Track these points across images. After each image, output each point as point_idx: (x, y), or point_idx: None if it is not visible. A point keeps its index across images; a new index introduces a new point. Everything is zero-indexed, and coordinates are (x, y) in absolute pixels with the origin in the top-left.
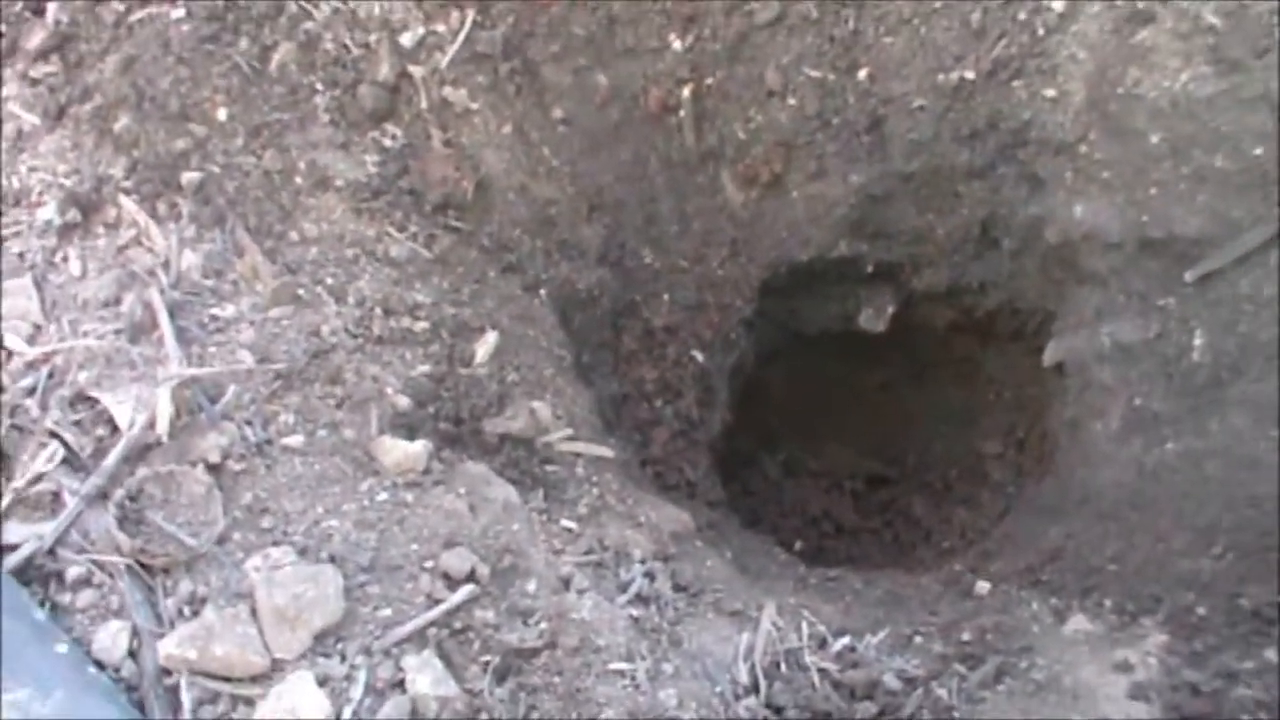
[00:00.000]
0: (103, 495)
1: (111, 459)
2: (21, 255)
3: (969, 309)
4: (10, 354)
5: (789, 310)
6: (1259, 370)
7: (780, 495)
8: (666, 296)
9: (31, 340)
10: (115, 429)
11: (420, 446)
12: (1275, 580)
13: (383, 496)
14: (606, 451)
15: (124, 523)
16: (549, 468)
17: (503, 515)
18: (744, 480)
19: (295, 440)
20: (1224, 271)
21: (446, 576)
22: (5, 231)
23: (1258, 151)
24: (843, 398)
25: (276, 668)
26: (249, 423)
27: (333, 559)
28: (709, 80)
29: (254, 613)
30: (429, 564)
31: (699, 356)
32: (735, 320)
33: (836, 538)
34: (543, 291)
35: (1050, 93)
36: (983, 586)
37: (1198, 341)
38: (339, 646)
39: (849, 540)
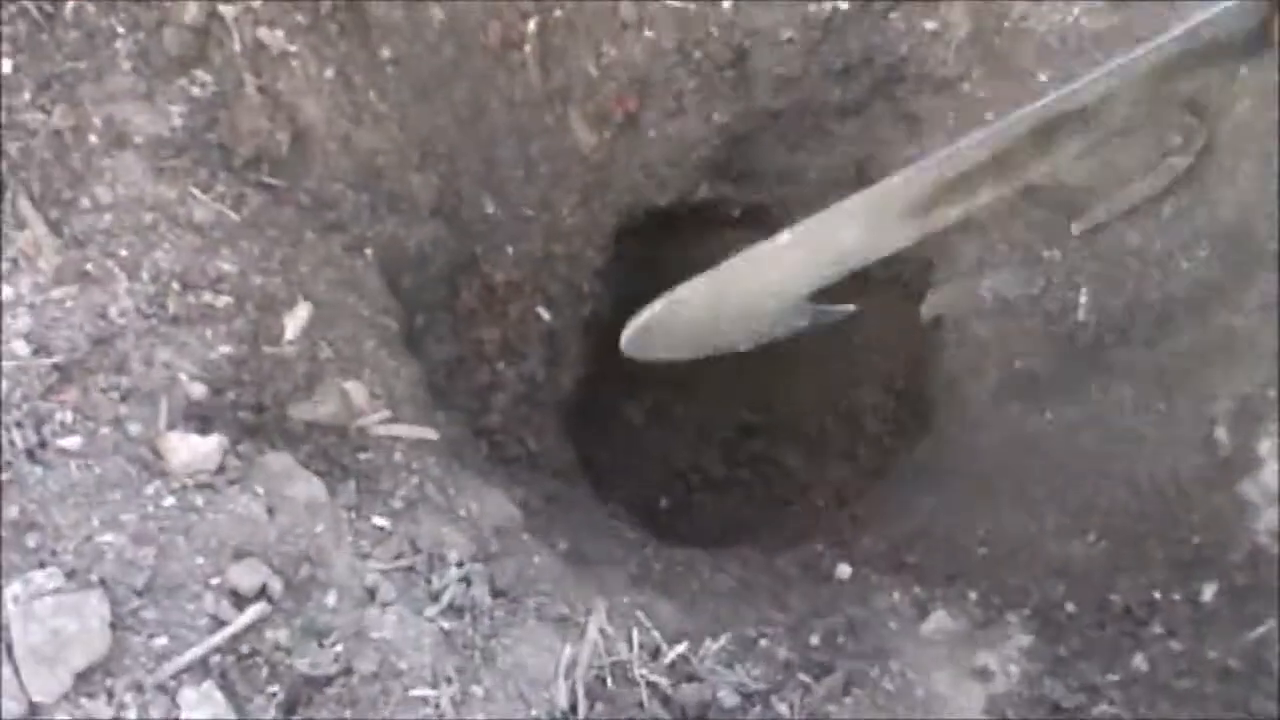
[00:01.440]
0: None
1: None
2: None
3: None
4: None
5: (645, 255)
6: (1145, 334)
7: (644, 446)
8: (510, 249)
9: None
10: None
11: (213, 442)
12: (1149, 573)
13: (169, 502)
14: (430, 433)
15: None
16: (363, 456)
17: (305, 516)
18: (605, 433)
19: (73, 442)
20: (1112, 224)
21: (234, 594)
22: None
23: None
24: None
25: (35, 712)
26: (20, 425)
27: (103, 582)
28: (557, 12)
29: (9, 652)
30: (215, 581)
31: (545, 314)
32: (588, 271)
33: (703, 490)
34: (368, 251)
35: (930, 25)
36: (843, 571)
37: (1083, 299)
38: (106, 684)
39: (716, 494)
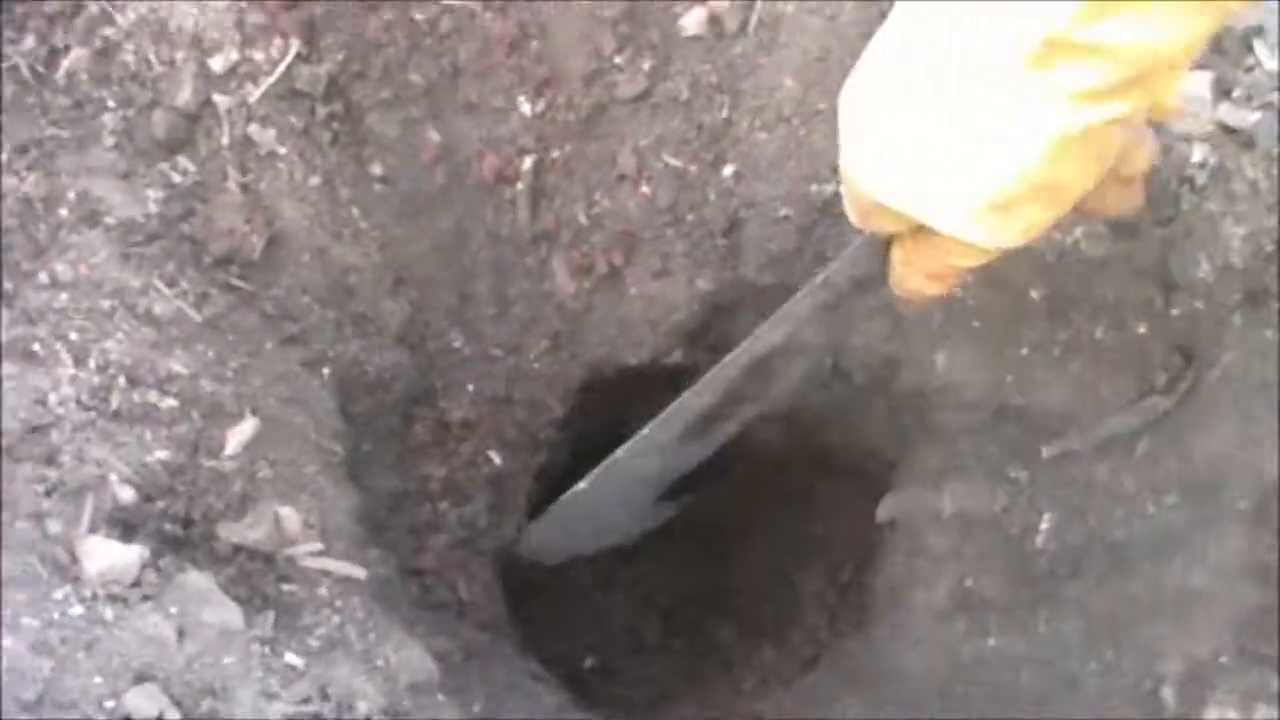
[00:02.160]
0: None
1: None
2: None
3: (806, 436)
4: None
5: (608, 411)
6: (1100, 571)
7: (579, 603)
8: (470, 387)
9: None
10: None
11: (134, 554)
12: None
13: (76, 610)
14: (358, 571)
15: None
16: (286, 587)
17: (216, 644)
18: (540, 586)
19: None
20: (1084, 454)
21: None
22: None
23: (1140, 329)
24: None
25: None
26: None
27: None
28: (555, 153)
29: None
30: (109, 704)
31: (496, 457)
32: (546, 420)
33: (635, 655)
34: (325, 371)
35: None
36: None
37: (1044, 525)
38: None
39: (647, 659)
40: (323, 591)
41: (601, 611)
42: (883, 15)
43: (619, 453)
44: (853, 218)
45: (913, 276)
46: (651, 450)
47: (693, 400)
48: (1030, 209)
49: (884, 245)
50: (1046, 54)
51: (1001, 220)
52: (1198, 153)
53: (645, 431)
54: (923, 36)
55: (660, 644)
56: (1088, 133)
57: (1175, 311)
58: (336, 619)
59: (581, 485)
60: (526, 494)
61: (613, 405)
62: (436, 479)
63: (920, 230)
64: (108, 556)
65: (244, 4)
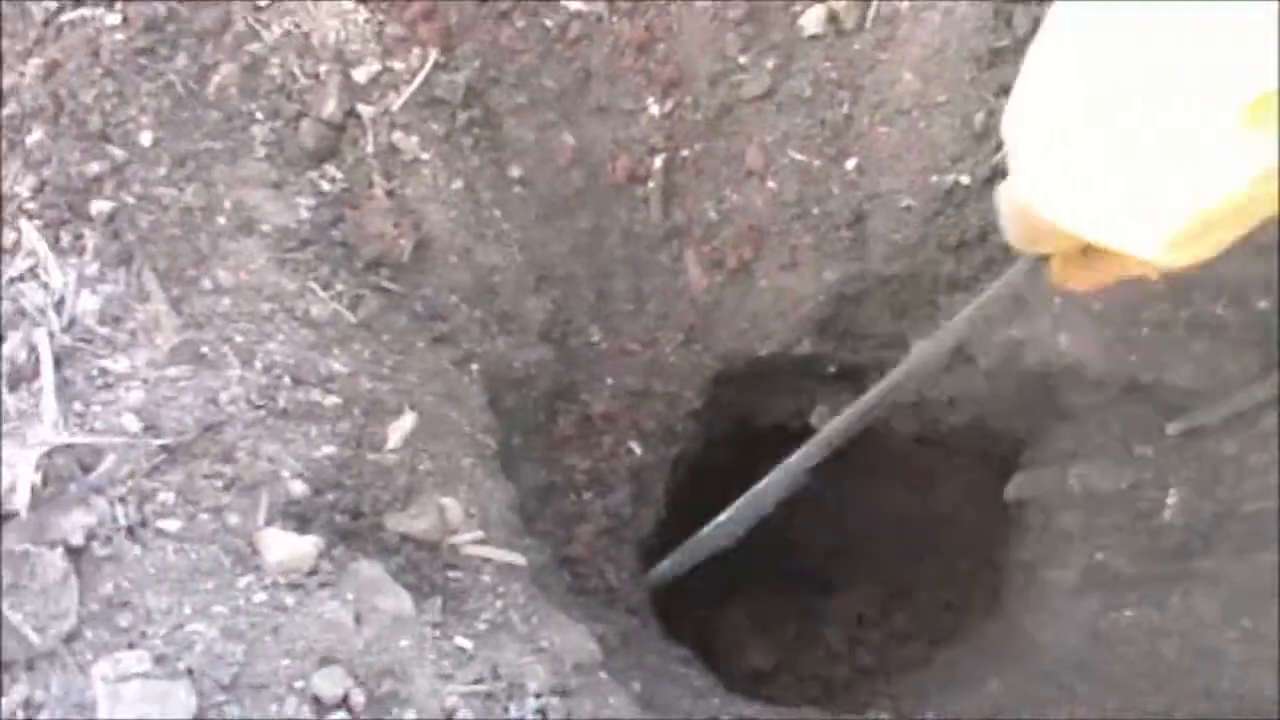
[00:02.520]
0: None
1: None
2: None
3: (934, 421)
4: None
5: (740, 400)
6: (1234, 545)
7: (713, 594)
8: (610, 381)
9: None
10: None
11: (309, 543)
12: None
13: (260, 598)
14: (518, 559)
15: None
16: (452, 574)
17: (391, 629)
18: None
19: (172, 524)
20: (1210, 429)
21: (317, 700)
22: None
23: (1262, 305)
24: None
25: None
26: (123, 500)
27: (190, 672)
28: (684, 152)
29: None
30: (299, 684)
31: (636, 448)
32: (682, 412)
33: (768, 637)
34: (474, 367)
35: None
36: None
37: (1171, 500)
38: None
39: (780, 642)
40: (485, 578)
41: (733, 596)
42: (996, 10)
43: (761, 484)
44: (1016, 241)
45: (1077, 283)
46: (792, 478)
47: (836, 425)
48: (1217, 234)
49: (1045, 262)
50: (1261, 104)
51: (1189, 245)
52: None
53: (790, 460)
54: (1121, 57)
55: (794, 628)
56: None
57: None
58: (500, 604)
59: (723, 516)
60: (664, 484)
61: (745, 395)
62: (581, 470)
63: (1090, 248)
64: (285, 547)
65: (383, 16)
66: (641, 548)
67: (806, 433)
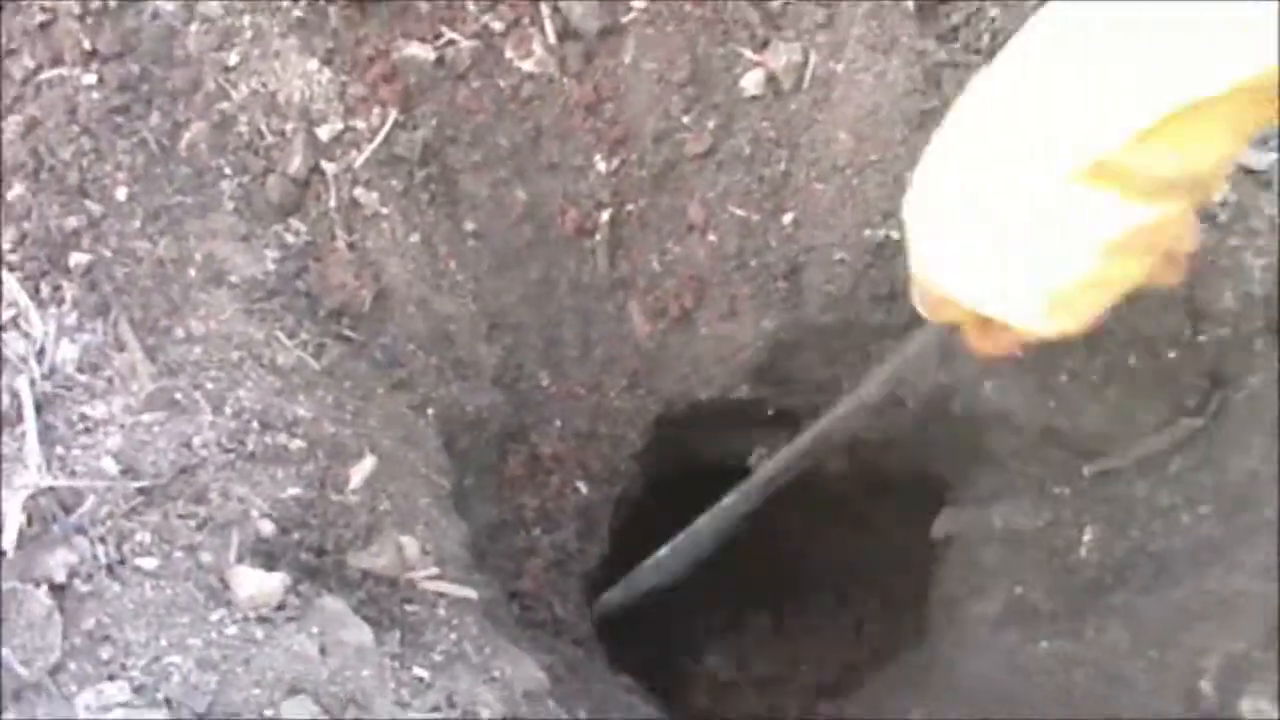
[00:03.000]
0: None
1: None
2: None
3: (865, 462)
4: None
5: (681, 442)
6: (1144, 581)
7: (655, 628)
8: (558, 423)
9: None
10: None
11: (277, 580)
12: None
13: (231, 631)
14: (470, 593)
15: None
16: (409, 607)
17: (354, 660)
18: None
19: (149, 562)
20: (1123, 471)
21: None
22: None
23: (1171, 355)
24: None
25: None
26: (103, 540)
27: (168, 702)
28: (630, 207)
29: None
30: (269, 712)
31: (583, 487)
32: (626, 453)
33: (705, 670)
34: (430, 411)
35: None
36: None
37: (1086, 538)
38: None
39: (716, 674)
40: (441, 611)
41: (667, 623)
42: (926, 74)
43: (699, 522)
44: (921, 309)
45: (984, 347)
46: (729, 517)
47: (770, 469)
48: (1088, 299)
49: (948, 328)
50: (1098, 170)
51: (1064, 312)
52: (1219, 193)
53: (726, 501)
54: (980, 144)
55: (727, 659)
56: (1138, 232)
57: (1203, 339)
58: (454, 636)
59: (663, 551)
60: (609, 521)
61: (686, 437)
62: (530, 508)
63: (987, 318)
64: (255, 583)
65: (346, 77)
66: (587, 581)
67: (744, 473)
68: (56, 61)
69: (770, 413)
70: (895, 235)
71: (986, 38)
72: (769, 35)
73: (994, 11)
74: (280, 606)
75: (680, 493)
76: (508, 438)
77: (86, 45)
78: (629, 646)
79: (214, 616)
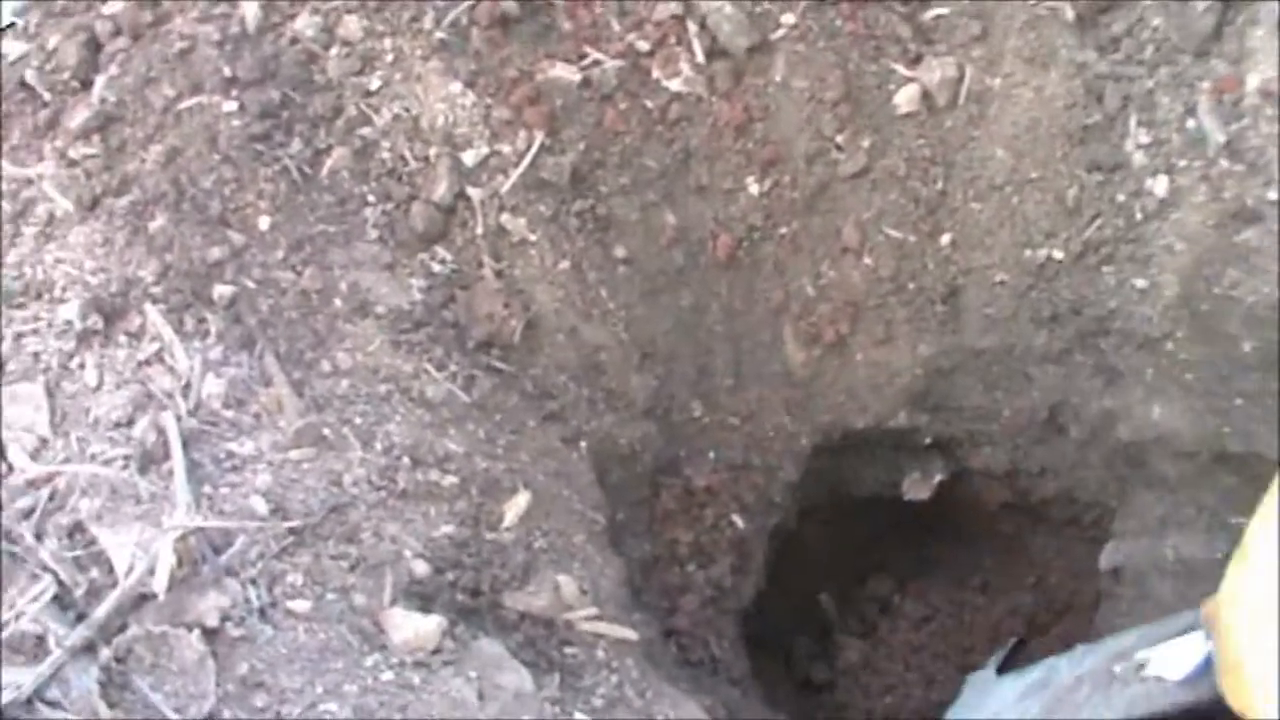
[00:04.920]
0: (90, 648)
1: (103, 610)
2: (36, 356)
3: (1024, 491)
4: (11, 468)
5: (835, 472)
6: None
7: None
8: (711, 455)
9: (35, 455)
10: (111, 570)
11: (433, 624)
12: None
13: (387, 676)
14: (630, 634)
15: (108, 686)
16: (568, 650)
17: (513, 705)
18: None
19: (301, 605)
20: None
21: None
22: (23, 328)
23: None
24: (879, 559)
25: None
26: (254, 582)
27: None
28: (782, 230)
29: None
30: None
31: (738, 521)
32: (780, 484)
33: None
34: (583, 444)
35: (1140, 283)
36: None
37: None
38: None
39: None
40: (600, 654)
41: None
42: (1087, 87)
43: None
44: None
45: None
46: None
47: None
48: None
49: None
50: None
51: None
52: None
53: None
54: None
55: (895, 688)
56: None
57: None
58: (615, 679)
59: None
60: (763, 555)
61: (839, 467)
62: (684, 543)
63: None
64: (411, 627)
65: (490, 100)
66: (741, 618)
67: (897, 503)
68: (196, 90)
69: (927, 441)
70: (1057, 255)
71: (1150, 48)
72: (921, 50)
73: (1156, 20)
74: (436, 650)
75: (831, 524)
76: (660, 471)
77: (226, 72)
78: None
79: (369, 661)
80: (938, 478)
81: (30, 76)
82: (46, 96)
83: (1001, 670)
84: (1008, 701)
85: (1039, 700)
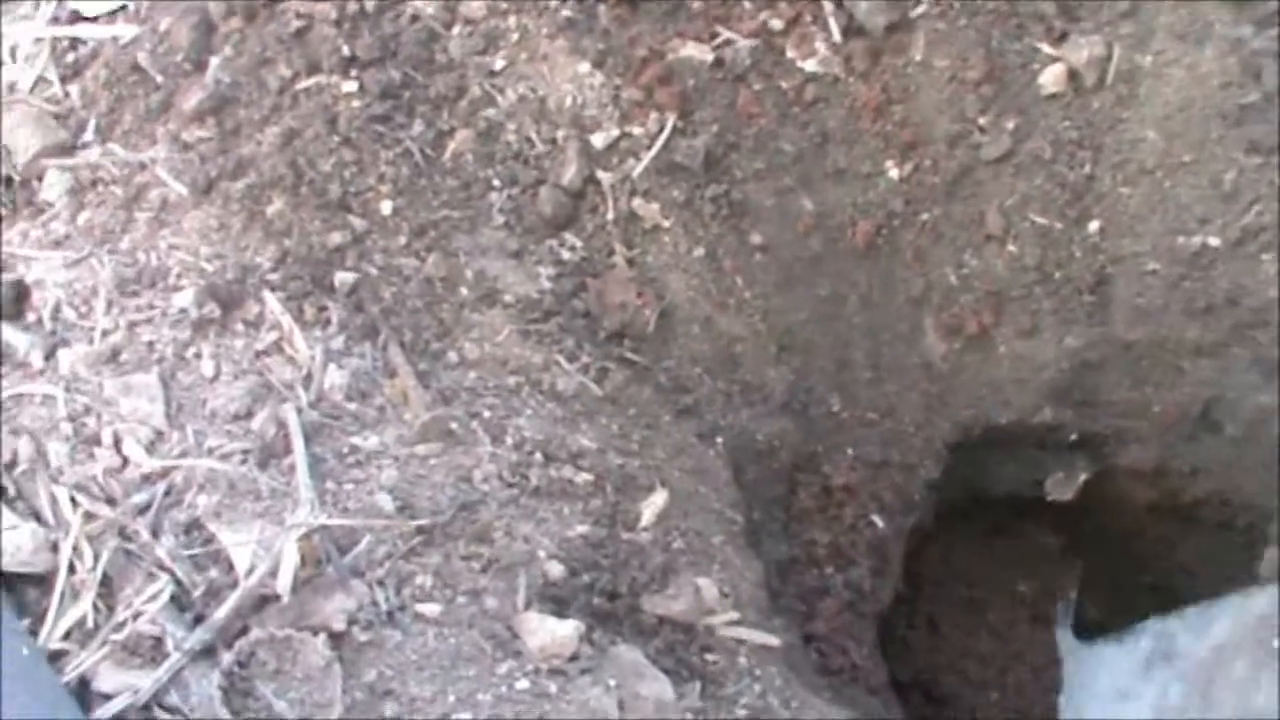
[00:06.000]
0: (210, 651)
1: (223, 612)
2: (151, 346)
3: (1173, 492)
4: (126, 462)
5: (975, 469)
6: None
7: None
8: (850, 451)
9: (151, 449)
10: (231, 570)
11: (570, 629)
12: None
13: (522, 685)
14: (772, 640)
15: (229, 692)
16: (709, 656)
17: (654, 716)
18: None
19: (432, 609)
20: None
21: None
22: (136, 316)
23: None
24: (1016, 558)
25: None
26: (381, 583)
27: None
28: (923, 216)
29: None
30: None
31: (878, 521)
32: (920, 482)
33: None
34: (719, 440)
35: None
36: None
37: None
38: None
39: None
40: (742, 660)
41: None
42: (1243, 65)
43: None
44: None
45: None
46: None
47: None
48: None
49: None
50: None
51: None
52: None
53: None
54: None
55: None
56: None
57: None
58: (758, 687)
59: None
60: (901, 556)
61: (979, 464)
62: (822, 544)
63: None
64: (547, 632)
65: (619, 80)
66: (879, 621)
67: (1038, 503)
68: (314, 69)
69: (1072, 438)
70: (1214, 242)
71: None
72: (1067, 27)
73: None
74: (574, 657)
75: (968, 523)
76: (797, 468)
77: (345, 51)
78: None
79: (502, 669)
80: (1082, 477)
81: (142, 59)
82: (159, 79)
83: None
84: (1127, 676)
85: (1177, 677)
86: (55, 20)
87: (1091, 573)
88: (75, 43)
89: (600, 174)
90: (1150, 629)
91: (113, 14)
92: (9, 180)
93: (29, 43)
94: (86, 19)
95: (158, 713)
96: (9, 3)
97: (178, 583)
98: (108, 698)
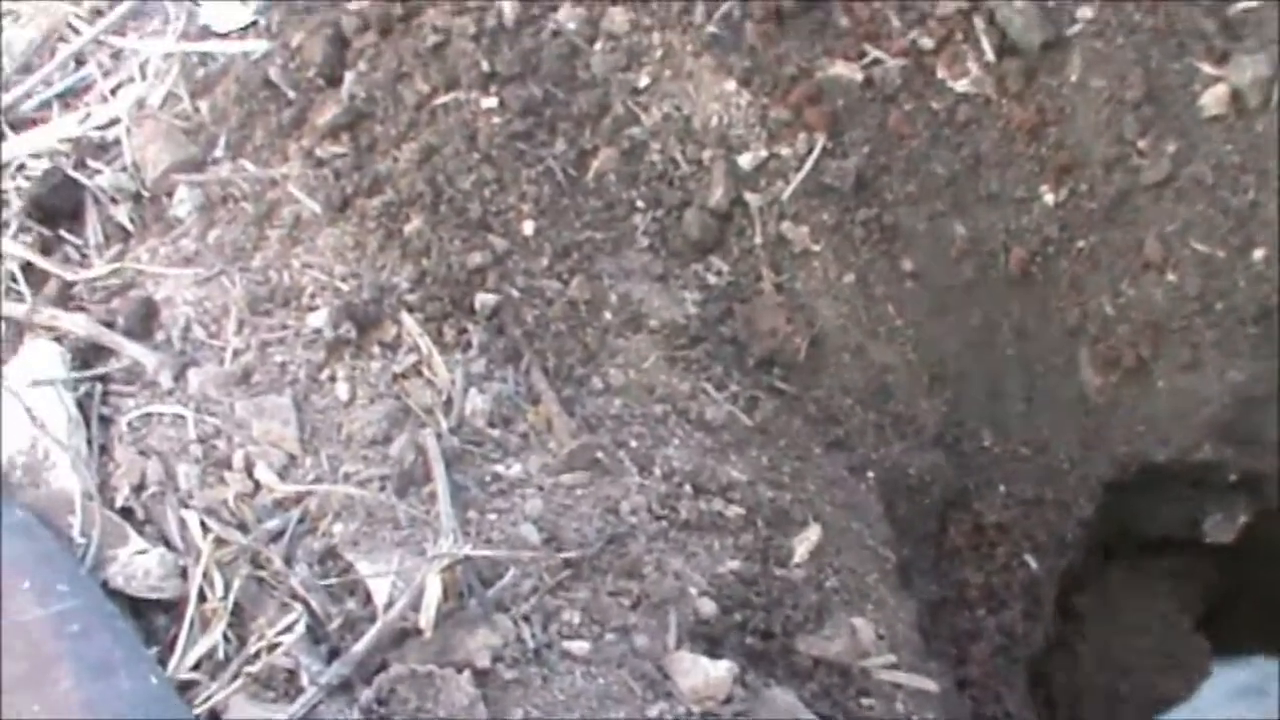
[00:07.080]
0: (347, 687)
1: (362, 645)
2: (283, 367)
3: None
4: (258, 486)
5: (1129, 508)
6: None
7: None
8: (1002, 488)
9: (284, 474)
10: (369, 602)
11: (725, 670)
12: None
13: None
14: (930, 685)
15: None
16: (865, 701)
17: None
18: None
19: (580, 646)
20: None
21: None
22: (268, 336)
23: None
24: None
25: None
26: (527, 619)
27: None
28: (1080, 243)
29: None
30: None
31: (1031, 561)
32: (1074, 520)
33: None
34: (870, 474)
35: None
36: None
37: None
38: None
39: None
40: (899, 706)
41: None
42: None
43: None
44: None
45: None
46: None
47: None
48: None
49: None
50: None
51: None
52: None
53: None
54: None
55: None
56: None
57: None
58: None
59: None
60: (1053, 598)
61: (1134, 503)
62: (974, 585)
63: None
64: (700, 673)
65: (766, 99)
66: (1030, 668)
67: (1194, 545)
68: (452, 85)
69: (1233, 477)
70: None
71: None
72: (1229, 46)
73: None
74: (728, 700)
75: (1118, 565)
76: (948, 505)
77: (484, 67)
78: None
79: (653, 711)
80: (1242, 519)
81: (274, 74)
82: (291, 95)
83: None
84: (1214, 698)
85: (1259, 711)
86: (185, 36)
87: (1248, 617)
88: (205, 58)
89: (748, 196)
90: (1255, 663)
91: (244, 29)
92: (138, 196)
93: (159, 58)
94: (217, 34)
95: None
96: (139, 19)
97: (312, 614)
98: None
